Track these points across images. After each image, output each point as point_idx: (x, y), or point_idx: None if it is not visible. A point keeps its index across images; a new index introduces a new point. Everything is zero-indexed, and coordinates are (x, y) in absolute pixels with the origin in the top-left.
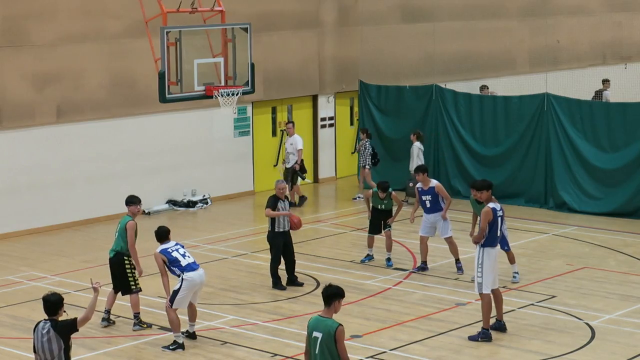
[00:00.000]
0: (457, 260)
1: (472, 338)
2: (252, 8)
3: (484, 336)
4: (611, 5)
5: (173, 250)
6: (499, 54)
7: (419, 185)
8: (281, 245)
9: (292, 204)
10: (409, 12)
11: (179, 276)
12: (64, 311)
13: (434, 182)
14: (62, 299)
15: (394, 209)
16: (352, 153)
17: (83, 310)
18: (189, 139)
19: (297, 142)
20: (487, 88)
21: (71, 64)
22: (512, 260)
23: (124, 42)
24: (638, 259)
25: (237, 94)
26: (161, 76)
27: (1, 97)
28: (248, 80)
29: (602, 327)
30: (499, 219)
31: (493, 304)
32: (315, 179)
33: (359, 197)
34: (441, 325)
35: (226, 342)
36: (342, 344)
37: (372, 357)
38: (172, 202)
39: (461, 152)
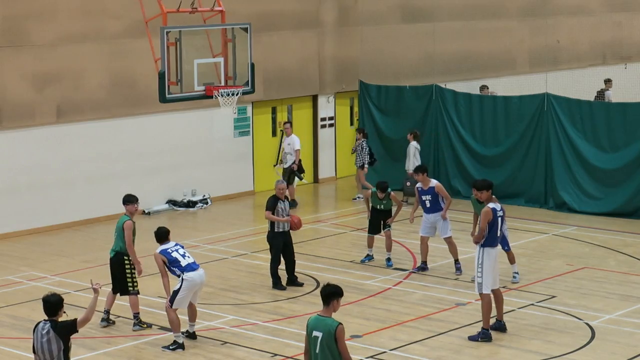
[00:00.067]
0: (456, 261)
1: (472, 338)
2: (252, 8)
3: (484, 336)
4: (611, 5)
5: (173, 251)
6: (499, 54)
7: (419, 185)
8: (281, 246)
9: (292, 204)
10: (409, 12)
11: (179, 276)
12: (64, 312)
13: (434, 182)
14: (62, 300)
15: (394, 209)
16: (352, 153)
17: (83, 311)
18: (189, 139)
19: (295, 142)
20: (487, 88)
21: (71, 64)
22: (512, 260)
23: (124, 42)
24: (638, 259)
25: (237, 94)
26: (161, 76)
27: (1, 97)
28: (248, 80)
29: (602, 327)
30: (499, 219)
31: (493, 304)
32: (315, 179)
33: (358, 197)
34: (441, 325)
35: (226, 342)
36: (343, 342)
37: (372, 357)
38: (172, 202)
39: (461, 152)
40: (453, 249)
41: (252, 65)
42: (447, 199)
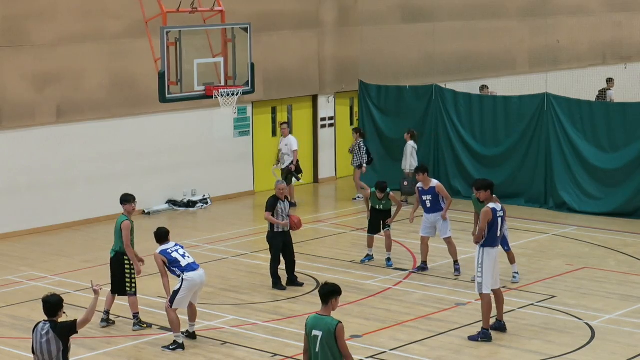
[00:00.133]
0: (456, 262)
1: (472, 338)
2: (252, 8)
3: (483, 336)
4: (611, 5)
5: (173, 251)
6: (499, 54)
7: (419, 185)
8: (281, 246)
9: (292, 204)
10: (409, 12)
11: (179, 276)
12: (64, 312)
13: (434, 182)
14: (62, 301)
15: (393, 209)
16: (349, 152)
17: (83, 311)
18: (188, 139)
19: (292, 143)
20: (487, 88)
21: (71, 64)
22: (512, 260)
23: (124, 42)
24: (638, 259)
25: (237, 94)
26: (161, 76)
27: (1, 97)
28: (248, 80)
29: (602, 327)
30: (499, 219)
31: (493, 304)
32: (315, 179)
33: (358, 198)
34: (441, 325)
35: (226, 342)
36: (343, 340)
37: (372, 357)
38: (172, 202)
39: (461, 152)
40: (452, 250)
41: (252, 65)
42: (448, 199)
